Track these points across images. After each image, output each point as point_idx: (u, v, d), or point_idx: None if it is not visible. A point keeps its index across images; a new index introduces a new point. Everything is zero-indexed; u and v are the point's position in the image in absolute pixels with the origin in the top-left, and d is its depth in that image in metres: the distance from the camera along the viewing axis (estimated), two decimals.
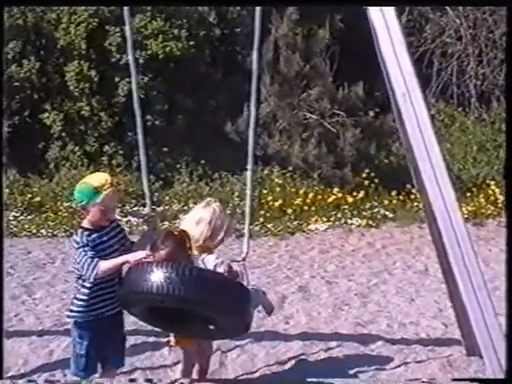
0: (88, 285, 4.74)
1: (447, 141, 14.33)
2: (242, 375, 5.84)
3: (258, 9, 4.97)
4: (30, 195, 12.39)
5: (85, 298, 4.77)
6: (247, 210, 5.09)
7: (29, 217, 11.79)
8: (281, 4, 11.63)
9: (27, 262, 9.59)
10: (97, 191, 4.69)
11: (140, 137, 5.25)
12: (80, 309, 4.80)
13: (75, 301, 4.83)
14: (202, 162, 13.48)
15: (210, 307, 4.64)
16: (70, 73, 13.71)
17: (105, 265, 4.66)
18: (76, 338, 4.88)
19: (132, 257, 4.70)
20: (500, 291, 7.76)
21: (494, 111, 15.24)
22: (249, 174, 5.13)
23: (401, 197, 12.38)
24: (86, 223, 4.79)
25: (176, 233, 4.91)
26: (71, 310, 4.85)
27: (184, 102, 14.20)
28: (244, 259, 5.08)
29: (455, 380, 4.60)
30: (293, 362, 6.13)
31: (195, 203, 12.31)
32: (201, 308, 4.66)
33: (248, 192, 5.11)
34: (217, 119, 13.61)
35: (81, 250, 4.67)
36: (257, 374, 5.88)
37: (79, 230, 4.76)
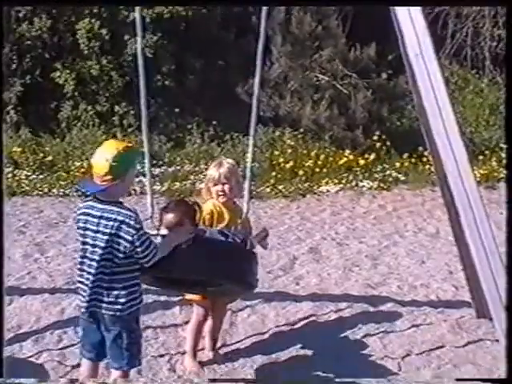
0: (137, 267, 4.38)
1: (460, 103, 14.23)
2: (253, 335, 5.88)
3: None
4: (41, 154, 12.40)
5: (136, 281, 4.41)
6: (248, 170, 5.10)
7: (40, 176, 11.81)
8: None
9: (39, 220, 9.64)
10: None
11: (143, 101, 5.10)
12: (136, 295, 4.42)
13: (128, 290, 4.34)
14: (214, 122, 13.44)
15: (214, 277, 4.68)
16: (81, 31, 13.63)
17: (161, 250, 4.42)
18: (133, 326, 4.46)
19: (179, 238, 4.57)
20: None
21: None
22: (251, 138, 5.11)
23: (413, 159, 12.33)
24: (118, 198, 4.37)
25: (189, 202, 4.92)
26: (124, 303, 4.33)
27: (195, 62, 14.13)
28: (246, 214, 5.05)
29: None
30: (303, 322, 6.17)
31: (206, 164, 12.42)
32: (204, 277, 4.71)
33: (250, 151, 5.11)
34: (228, 80, 13.54)
35: (142, 231, 4.30)
36: (267, 335, 5.92)
37: (131, 211, 4.29)
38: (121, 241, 4.26)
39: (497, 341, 5.31)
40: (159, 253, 4.37)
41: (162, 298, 6.17)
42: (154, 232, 4.64)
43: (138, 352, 4.52)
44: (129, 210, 4.32)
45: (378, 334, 5.93)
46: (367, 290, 7.06)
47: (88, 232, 4.35)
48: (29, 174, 11.86)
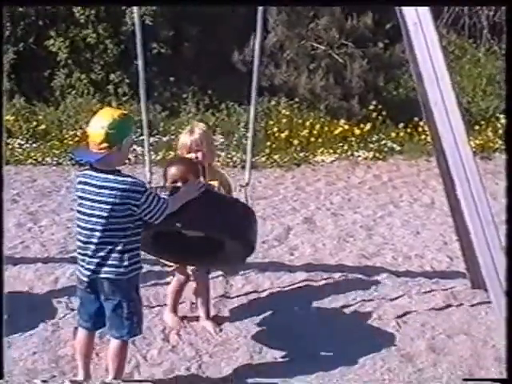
0: (139, 231, 4.37)
1: (457, 73, 14.14)
2: (247, 306, 5.88)
3: None
4: (35, 123, 12.31)
5: (138, 246, 4.39)
6: (249, 140, 5.09)
7: (34, 145, 11.74)
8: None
9: (32, 189, 9.60)
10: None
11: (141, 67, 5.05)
12: (138, 259, 4.41)
13: (130, 253, 4.32)
14: (209, 91, 13.35)
15: (218, 228, 4.65)
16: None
17: (173, 203, 4.42)
18: (133, 295, 4.43)
19: (190, 193, 4.54)
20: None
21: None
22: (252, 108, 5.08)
23: (408, 129, 12.28)
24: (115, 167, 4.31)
25: (191, 159, 5.02)
26: (126, 266, 4.31)
27: (190, 30, 14.00)
28: (247, 184, 5.04)
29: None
30: (297, 292, 6.17)
31: None
32: (209, 230, 4.69)
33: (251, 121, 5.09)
34: (224, 48, 13.43)
35: (148, 192, 4.28)
36: (261, 305, 5.91)
37: (132, 177, 4.27)
38: (126, 207, 4.23)
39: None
40: (169, 208, 4.36)
41: (156, 268, 6.14)
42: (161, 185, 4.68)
43: (138, 321, 4.49)
44: (129, 176, 4.31)
45: (372, 304, 5.93)
46: (362, 261, 7.06)
47: (85, 202, 4.30)
48: (22, 142, 11.79)
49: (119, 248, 4.29)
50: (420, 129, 11.84)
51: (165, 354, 5.07)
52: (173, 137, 12.28)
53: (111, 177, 4.24)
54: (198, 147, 5.21)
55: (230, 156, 11.31)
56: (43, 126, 12.20)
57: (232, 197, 5.03)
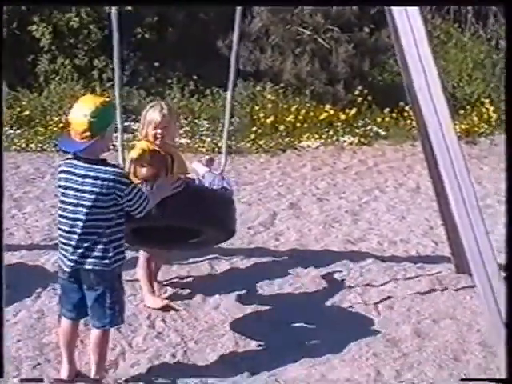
0: (122, 221, 4.34)
1: (442, 58, 14.15)
2: (232, 292, 5.87)
3: None
4: (19, 109, 12.20)
5: (122, 236, 4.36)
6: (226, 123, 5.12)
7: (18, 131, 11.65)
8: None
9: (16, 176, 9.52)
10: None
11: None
12: (122, 249, 4.40)
13: (114, 244, 4.30)
14: (194, 77, 13.29)
15: (194, 220, 4.73)
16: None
17: (153, 199, 4.45)
18: (116, 285, 4.42)
19: (165, 191, 4.57)
20: (493, 209, 7.81)
21: (491, 28, 15.00)
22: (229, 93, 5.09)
23: (394, 114, 12.27)
24: (99, 155, 4.29)
25: (162, 153, 4.97)
26: (111, 257, 4.30)
27: (176, 15, 13.92)
28: (222, 171, 5.19)
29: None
30: (282, 278, 6.16)
31: (186, 119, 12.32)
32: (186, 223, 4.75)
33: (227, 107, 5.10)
34: (208, 34, 13.36)
35: (133, 184, 4.32)
36: (246, 291, 5.91)
37: (117, 167, 4.32)
38: (111, 197, 4.21)
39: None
40: (150, 203, 4.37)
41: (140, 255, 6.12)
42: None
43: (120, 310, 4.48)
44: (114, 166, 4.29)
45: (357, 289, 5.94)
46: (347, 246, 7.06)
47: (69, 191, 4.26)
48: (6, 129, 11.68)
49: (104, 239, 4.27)
50: (405, 114, 11.83)
51: (150, 341, 5.06)
52: None
53: (95, 166, 4.22)
54: (167, 124, 5.21)
55: (215, 142, 11.27)
56: (27, 112, 12.11)
57: (207, 187, 5.04)
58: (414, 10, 4.60)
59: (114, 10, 4.95)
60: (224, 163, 5.12)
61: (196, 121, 12.34)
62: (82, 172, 4.22)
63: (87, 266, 4.29)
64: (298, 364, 4.75)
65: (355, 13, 12.60)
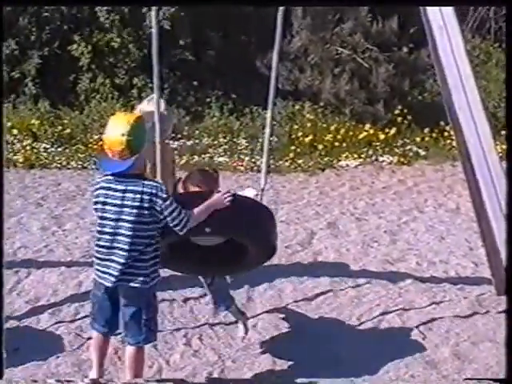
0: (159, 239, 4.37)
1: (483, 78, 14.03)
2: (270, 310, 5.85)
3: None
4: (60, 127, 12.37)
5: (159, 254, 4.40)
6: (265, 144, 5.09)
7: (59, 148, 11.80)
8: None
9: (57, 193, 9.63)
10: None
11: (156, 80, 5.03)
12: (158, 267, 4.43)
13: (153, 261, 4.33)
14: (233, 96, 13.35)
15: (242, 230, 4.65)
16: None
17: (196, 211, 4.38)
18: (152, 302, 4.46)
19: (219, 202, 4.48)
20: None
21: None
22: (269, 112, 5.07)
23: (434, 134, 12.20)
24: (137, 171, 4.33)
25: (209, 171, 4.93)
26: (149, 274, 4.32)
27: (214, 35, 14.02)
28: (263, 190, 5.05)
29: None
30: (320, 298, 6.13)
31: (225, 138, 12.37)
32: (234, 232, 4.68)
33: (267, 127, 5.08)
34: (247, 53, 13.43)
35: (171, 199, 4.26)
36: (284, 310, 5.89)
37: (156, 182, 4.36)
38: (150, 212, 4.23)
39: None
40: (193, 219, 4.32)
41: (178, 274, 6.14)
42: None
43: (154, 327, 4.51)
44: (153, 181, 4.33)
45: (396, 310, 5.89)
46: (386, 266, 7.01)
47: (109, 207, 4.28)
48: (47, 146, 11.85)
49: (144, 257, 4.29)
50: (445, 133, 11.76)
51: (187, 359, 5.06)
52: (197, 141, 12.31)
53: (135, 180, 4.25)
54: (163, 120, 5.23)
55: (253, 160, 11.29)
56: (68, 130, 12.27)
57: (252, 199, 4.99)
58: (454, 28, 4.59)
59: (154, 30, 4.98)
60: (264, 182, 5.09)
61: (235, 139, 12.38)
62: (122, 187, 4.25)
63: (127, 284, 4.31)
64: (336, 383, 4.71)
65: (395, 32, 12.57)
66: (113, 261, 4.30)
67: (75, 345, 5.19)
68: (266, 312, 5.81)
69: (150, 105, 5.37)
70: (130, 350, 4.47)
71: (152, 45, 4.98)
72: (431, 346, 5.28)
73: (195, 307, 5.79)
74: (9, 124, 12.35)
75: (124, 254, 4.26)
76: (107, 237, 4.31)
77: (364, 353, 5.10)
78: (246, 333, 5.26)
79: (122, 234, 4.25)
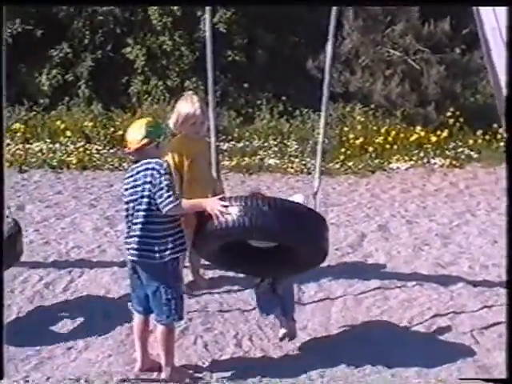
0: (174, 218, 4.57)
1: None
2: (319, 313, 5.85)
3: None
4: (112, 129, 12.53)
5: (177, 233, 4.59)
6: (319, 146, 5.09)
7: (111, 150, 11.94)
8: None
9: (109, 194, 9.74)
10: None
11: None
12: (178, 248, 4.59)
13: (166, 239, 4.53)
14: (283, 98, 13.37)
15: (292, 236, 4.65)
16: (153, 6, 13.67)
17: (185, 203, 4.61)
18: (171, 282, 4.59)
19: (210, 205, 4.59)
20: None
21: None
22: (323, 113, 5.07)
23: (487, 136, 12.06)
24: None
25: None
26: (162, 250, 4.51)
27: (264, 36, 14.05)
28: (315, 193, 5.06)
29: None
30: (371, 300, 6.10)
31: (275, 140, 12.39)
32: (284, 238, 4.68)
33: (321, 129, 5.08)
34: (298, 55, 13.43)
35: (168, 178, 4.48)
36: (334, 310, 5.88)
37: (162, 161, 4.56)
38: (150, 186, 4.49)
39: None
40: (178, 208, 4.48)
41: (229, 274, 6.17)
42: None
43: (177, 307, 4.63)
44: (158, 158, 4.57)
45: (447, 314, 5.83)
46: (437, 270, 6.95)
47: (126, 192, 4.64)
48: (100, 148, 12.01)
49: (157, 234, 4.52)
50: (499, 136, 11.60)
51: (237, 360, 5.07)
52: (247, 143, 12.35)
53: (146, 162, 4.53)
54: (204, 119, 5.26)
55: (304, 163, 11.29)
56: (120, 132, 12.39)
57: (304, 205, 4.99)
58: (508, 29, 4.53)
59: (208, 33, 5.06)
60: (318, 185, 5.09)
61: (285, 141, 12.39)
62: (134, 172, 4.59)
63: (143, 259, 4.54)
64: None
65: (447, 33, 12.45)
66: (132, 236, 4.57)
67: (127, 344, 5.25)
68: (316, 314, 5.81)
69: (192, 106, 5.40)
70: (158, 328, 4.70)
71: (206, 47, 5.02)
72: (483, 350, 5.22)
73: (245, 308, 5.80)
74: (62, 126, 12.55)
75: (136, 232, 4.55)
76: (128, 218, 4.61)
77: (415, 356, 5.06)
78: (290, 338, 5.20)
79: (139, 210, 4.52)
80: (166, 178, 4.46)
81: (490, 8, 4.59)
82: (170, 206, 4.43)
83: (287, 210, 4.66)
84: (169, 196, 4.43)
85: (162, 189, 4.44)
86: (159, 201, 4.44)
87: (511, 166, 4.42)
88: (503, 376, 4.82)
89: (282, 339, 5.16)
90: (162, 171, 4.47)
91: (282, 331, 5.15)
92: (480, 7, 4.67)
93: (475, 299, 6.12)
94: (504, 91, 4.59)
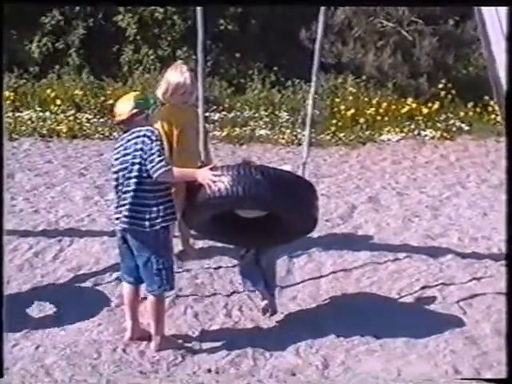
0: (163, 186, 4.56)
1: None
2: (309, 283, 5.87)
3: None
4: (103, 98, 12.47)
5: (164, 201, 4.57)
6: (308, 116, 5.07)
7: (101, 119, 11.90)
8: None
9: (100, 163, 9.72)
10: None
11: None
12: (168, 217, 4.59)
13: (154, 208, 4.50)
14: (275, 68, 13.31)
15: (283, 204, 4.65)
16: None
17: (176, 171, 4.60)
18: (161, 252, 4.59)
19: (202, 175, 4.59)
20: None
21: None
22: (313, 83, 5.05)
23: (478, 109, 12.06)
24: None
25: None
26: (153, 218, 4.50)
27: (257, 7, 13.94)
28: (304, 163, 5.10)
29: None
30: (360, 271, 6.12)
31: (266, 110, 12.35)
32: (275, 206, 4.68)
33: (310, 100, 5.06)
34: (291, 25, 13.35)
35: (159, 144, 4.49)
36: (323, 281, 5.90)
37: (152, 128, 4.57)
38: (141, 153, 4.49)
39: None
40: (168, 175, 4.48)
41: (219, 244, 6.17)
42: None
43: (168, 277, 4.64)
44: (149, 125, 4.58)
45: (436, 285, 5.86)
46: (427, 241, 6.97)
47: (115, 161, 4.61)
48: (90, 117, 11.97)
49: (147, 201, 4.51)
50: (490, 108, 11.61)
51: (226, 330, 5.09)
52: (238, 113, 12.31)
53: (134, 130, 4.54)
54: (193, 86, 5.23)
55: (295, 134, 11.27)
56: (111, 101, 12.32)
57: (293, 173, 4.98)
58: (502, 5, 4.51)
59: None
60: (306, 156, 5.08)
61: (276, 112, 12.35)
62: (124, 141, 4.58)
63: (132, 227, 4.52)
64: (373, 357, 4.71)
65: None
66: (123, 205, 4.55)
67: (117, 313, 5.26)
68: (305, 284, 5.83)
69: (181, 75, 5.35)
70: (148, 298, 4.70)
71: (197, 16, 4.99)
72: (472, 321, 5.25)
73: (235, 278, 5.81)
74: (53, 94, 12.48)
75: (132, 195, 4.51)
76: (120, 182, 4.58)
77: (403, 327, 5.09)
78: (271, 314, 5.19)
79: (129, 178, 4.51)
80: (157, 144, 4.46)
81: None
82: (162, 170, 4.42)
83: (279, 178, 4.66)
84: (160, 161, 4.42)
85: (153, 154, 4.42)
86: (150, 166, 4.43)
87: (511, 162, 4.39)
88: (490, 347, 4.86)
89: (264, 312, 5.17)
90: (154, 137, 4.47)
91: (264, 303, 5.17)
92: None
93: (464, 271, 6.15)
94: (504, 87, 4.58)
